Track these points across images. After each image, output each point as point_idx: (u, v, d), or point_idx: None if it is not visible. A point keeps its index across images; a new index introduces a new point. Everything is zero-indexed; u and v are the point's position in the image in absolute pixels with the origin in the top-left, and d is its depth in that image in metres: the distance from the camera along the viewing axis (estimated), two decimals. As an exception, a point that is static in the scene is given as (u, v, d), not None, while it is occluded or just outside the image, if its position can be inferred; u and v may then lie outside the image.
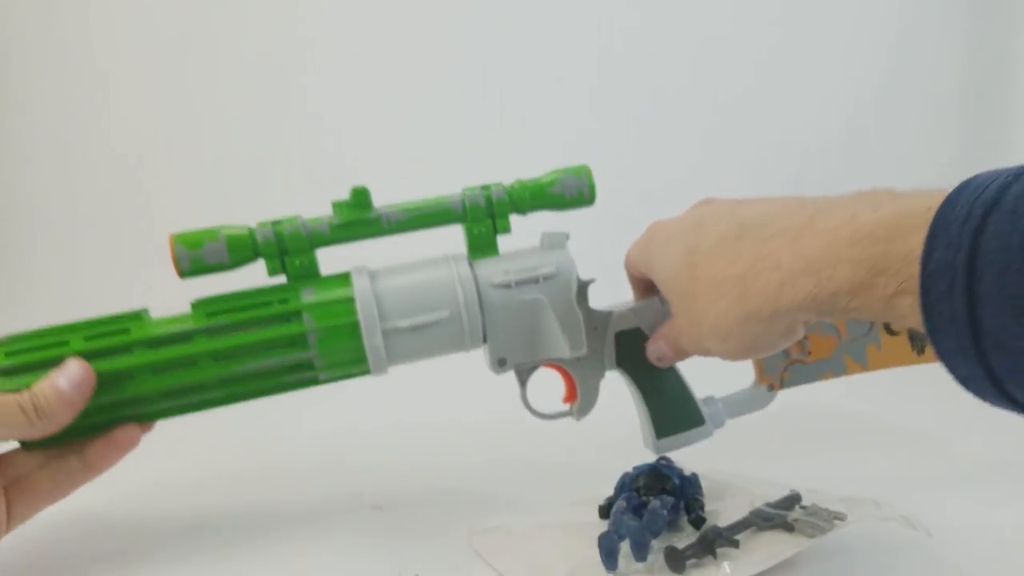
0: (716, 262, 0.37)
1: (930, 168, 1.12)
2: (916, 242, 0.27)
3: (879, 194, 0.32)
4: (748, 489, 0.47)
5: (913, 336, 0.53)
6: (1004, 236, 0.24)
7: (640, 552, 0.41)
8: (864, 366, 0.54)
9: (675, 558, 0.40)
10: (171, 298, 0.47)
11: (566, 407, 0.52)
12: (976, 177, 0.27)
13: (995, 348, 0.25)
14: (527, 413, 0.51)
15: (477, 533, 0.47)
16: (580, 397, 0.51)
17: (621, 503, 0.44)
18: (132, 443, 0.46)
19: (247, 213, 1.04)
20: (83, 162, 1.08)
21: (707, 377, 0.53)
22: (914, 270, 0.27)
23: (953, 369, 0.27)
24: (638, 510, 0.43)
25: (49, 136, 1.08)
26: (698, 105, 1.10)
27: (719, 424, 0.52)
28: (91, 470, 0.45)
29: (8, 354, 0.43)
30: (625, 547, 0.41)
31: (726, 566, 0.40)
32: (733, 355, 0.39)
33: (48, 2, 1.05)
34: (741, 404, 0.53)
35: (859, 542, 0.43)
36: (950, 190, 0.27)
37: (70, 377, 0.42)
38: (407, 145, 1.09)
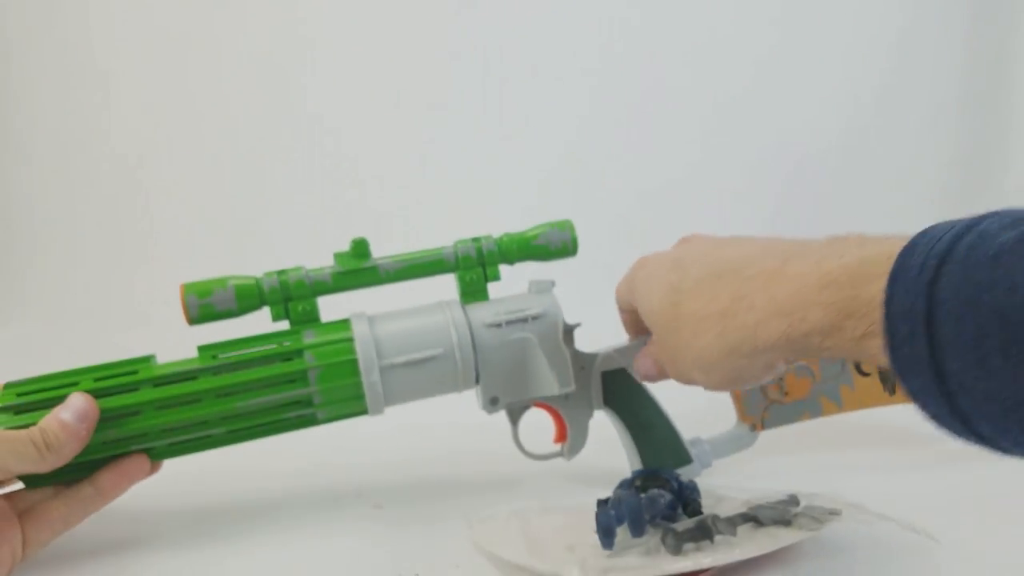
0: (697, 299, 0.39)
1: (930, 168, 1.12)
2: (878, 288, 0.29)
3: (848, 240, 0.33)
4: (747, 499, 0.47)
5: (884, 378, 0.56)
6: (956, 287, 0.26)
7: (636, 528, 0.42)
8: (839, 406, 0.57)
9: (672, 540, 0.41)
10: (177, 348, 0.50)
11: (557, 447, 0.55)
12: (934, 227, 0.29)
13: (959, 389, 0.26)
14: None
15: (477, 521, 0.48)
16: (570, 437, 0.53)
17: (620, 489, 0.46)
18: (142, 471, 0.48)
19: (245, 213, 1.05)
20: (83, 162, 1.08)
21: (689, 417, 0.55)
22: (879, 314, 0.28)
23: (923, 407, 0.29)
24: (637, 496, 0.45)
25: (49, 137, 1.08)
26: (698, 105, 1.10)
27: (706, 464, 0.54)
28: (103, 497, 0.47)
29: (20, 394, 0.46)
30: (622, 530, 0.42)
31: (722, 548, 0.40)
32: (716, 386, 0.41)
33: (49, 4, 1.06)
34: (726, 444, 0.56)
35: (860, 540, 0.44)
36: (911, 237, 0.29)
37: (74, 409, 0.44)
38: (408, 144, 1.09)
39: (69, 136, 1.08)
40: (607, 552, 0.41)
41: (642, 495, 0.45)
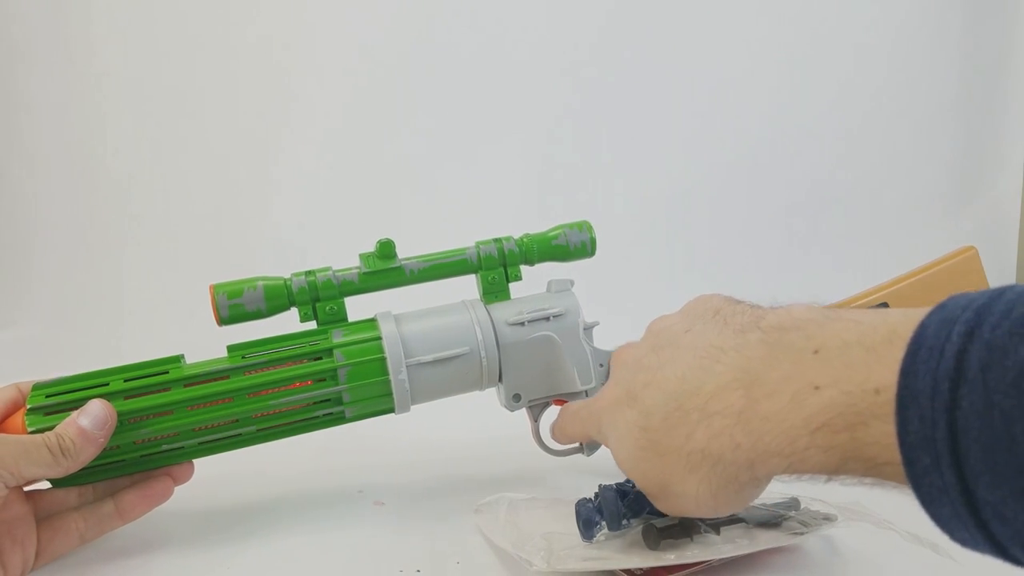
0: (673, 436, 0.35)
1: (926, 169, 1.13)
2: (882, 431, 0.26)
3: (802, 349, 0.30)
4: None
5: None
6: (981, 415, 0.23)
7: (612, 522, 0.42)
8: None
9: (652, 535, 0.41)
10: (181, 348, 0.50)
11: (576, 444, 0.55)
12: (923, 335, 0.26)
13: (995, 518, 0.24)
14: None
15: (480, 506, 0.49)
16: None
17: (611, 484, 0.46)
18: (165, 495, 0.48)
19: (255, 216, 1.05)
20: (88, 164, 1.09)
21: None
22: (891, 453, 0.26)
23: (951, 533, 0.26)
24: (625, 492, 0.45)
25: (53, 138, 1.09)
26: (693, 105, 1.11)
27: None
28: (123, 517, 0.47)
29: (49, 395, 0.46)
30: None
31: (698, 547, 0.41)
32: (723, 512, 0.37)
33: (53, 9, 1.06)
34: None
35: (862, 545, 0.44)
36: (899, 352, 0.26)
37: (92, 416, 0.44)
38: (415, 147, 1.09)
39: (73, 137, 1.08)
40: (585, 543, 0.42)
41: (635, 489, 0.45)
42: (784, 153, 1.12)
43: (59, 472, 0.42)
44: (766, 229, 1.10)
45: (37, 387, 0.46)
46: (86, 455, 0.43)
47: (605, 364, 0.54)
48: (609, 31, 1.10)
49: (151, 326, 1.01)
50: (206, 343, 0.52)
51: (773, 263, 1.08)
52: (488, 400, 0.56)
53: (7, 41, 1.07)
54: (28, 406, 0.45)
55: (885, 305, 0.58)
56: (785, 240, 1.10)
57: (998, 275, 1.08)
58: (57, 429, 0.43)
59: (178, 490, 0.49)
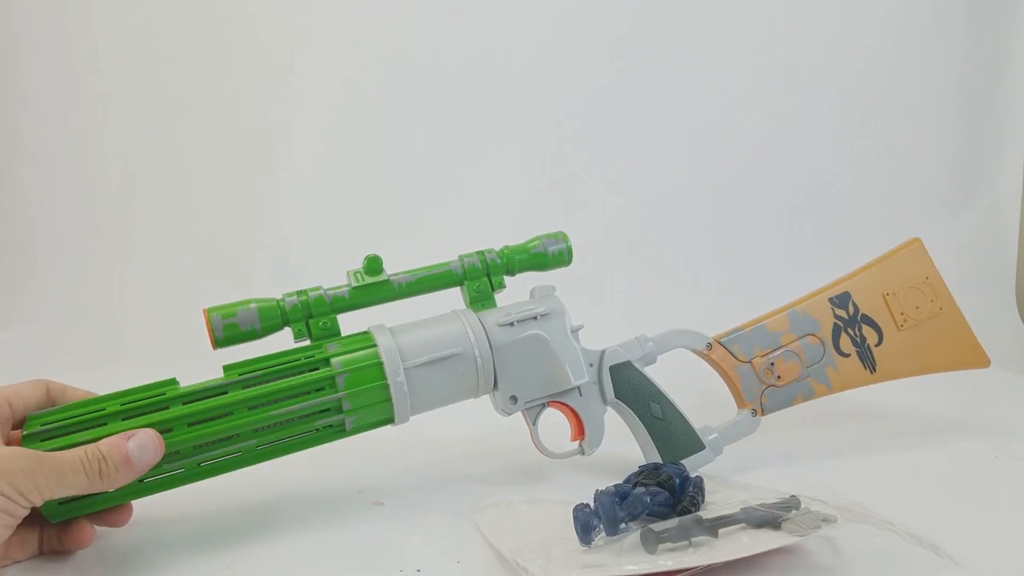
0: None
1: (926, 168, 1.13)
2: None
3: None
4: (743, 500, 0.47)
5: (863, 357, 0.60)
6: None
7: (610, 527, 0.43)
8: (829, 388, 0.59)
9: (650, 539, 0.41)
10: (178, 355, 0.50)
11: (575, 445, 0.57)
12: None
13: None
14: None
15: (479, 509, 0.50)
16: (588, 432, 0.55)
17: (610, 487, 0.47)
18: (87, 541, 0.46)
19: (249, 220, 1.06)
20: (87, 167, 1.09)
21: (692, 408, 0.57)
22: None
23: None
24: (624, 495, 0.45)
25: (54, 140, 1.09)
26: (694, 106, 1.11)
27: (718, 451, 0.57)
28: (78, 543, 0.45)
29: (44, 423, 0.45)
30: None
31: (694, 551, 0.41)
32: None
33: (53, 12, 1.06)
34: (732, 431, 0.58)
35: (862, 545, 0.44)
36: None
37: (141, 444, 0.43)
38: (400, 160, 1.10)
39: (73, 137, 1.08)
40: (583, 548, 0.42)
41: (634, 492, 0.46)
42: (785, 154, 1.12)
43: (90, 490, 0.41)
44: (767, 230, 1.10)
45: (32, 417, 0.45)
46: (120, 482, 0.42)
47: (595, 364, 0.55)
48: (610, 32, 1.09)
49: (150, 326, 1.01)
50: (201, 365, 0.52)
51: (775, 263, 1.08)
52: (487, 403, 0.56)
53: (7, 41, 1.07)
54: (24, 432, 0.44)
55: (847, 295, 0.61)
56: (786, 241, 1.11)
57: (998, 275, 1.08)
58: (103, 449, 0.42)
59: (179, 492, 0.50)
